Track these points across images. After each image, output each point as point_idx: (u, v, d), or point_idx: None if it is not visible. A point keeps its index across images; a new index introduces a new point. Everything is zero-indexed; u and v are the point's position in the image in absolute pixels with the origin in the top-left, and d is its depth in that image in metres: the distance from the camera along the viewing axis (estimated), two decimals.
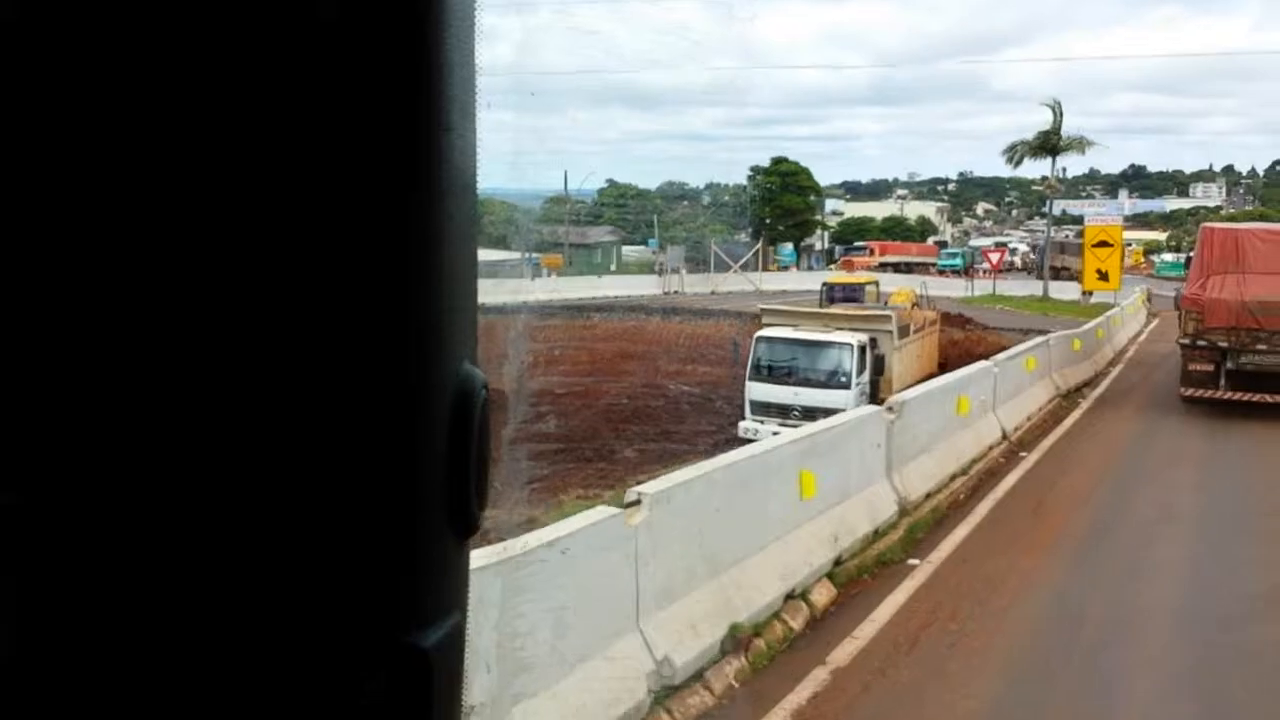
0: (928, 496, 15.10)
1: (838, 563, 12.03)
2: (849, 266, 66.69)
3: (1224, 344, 23.14)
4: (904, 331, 28.56)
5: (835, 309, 31.08)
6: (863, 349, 25.05)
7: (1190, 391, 23.79)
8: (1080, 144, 60.96)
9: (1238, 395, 23.10)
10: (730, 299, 53.31)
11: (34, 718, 0.59)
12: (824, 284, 37.87)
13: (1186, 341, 23.80)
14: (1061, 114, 60.07)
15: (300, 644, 0.62)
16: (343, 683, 0.63)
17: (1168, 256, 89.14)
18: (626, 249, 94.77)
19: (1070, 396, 25.23)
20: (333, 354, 0.62)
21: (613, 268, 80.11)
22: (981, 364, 20.10)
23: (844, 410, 22.11)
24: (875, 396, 24.36)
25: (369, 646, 0.64)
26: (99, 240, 0.58)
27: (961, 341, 36.66)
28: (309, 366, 0.61)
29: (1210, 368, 23.36)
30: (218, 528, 0.59)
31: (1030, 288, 60.39)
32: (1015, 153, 61.78)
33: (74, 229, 0.57)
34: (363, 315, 0.63)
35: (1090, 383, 27.85)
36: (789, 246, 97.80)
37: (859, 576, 12.09)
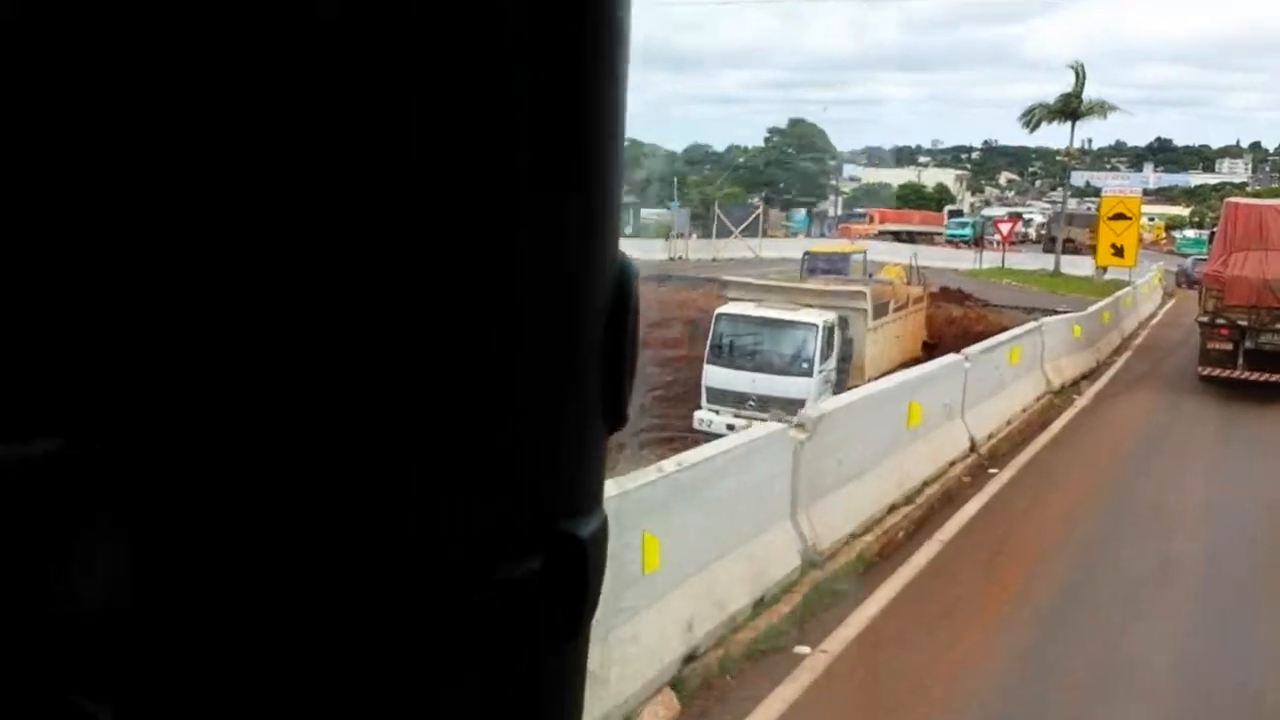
0: (851, 539, 11.40)
1: (691, 659, 8.33)
2: (846, 234, 62.54)
3: (1243, 322, 22.53)
4: (881, 310, 24.96)
5: (808, 283, 27.43)
6: (830, 330, 21.58)
7: (1208, 370, 22.87)
8: (1102, 108, 58.30)
9: (1255, 375, 22.24)
10: (729, 266, 49.67)
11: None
12: (805, 253, 33.93)
13: (1205, 319, 23.16)
14: (1084, 77, 57.19)
15: (459, 526, 0.62)
16: (502, 564, 0.63)
17: (1190, 232, 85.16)
18: (647, 211, 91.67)
19: (1065, 392, 21.36)
20: (500, 238, 0.62)
21: (629, 230, 76.71)
22: (947, 359, 16.32)
23: (804, 401, 18.74)
24: (843, 384, 20.86)
25: (526, 530, 0.64)
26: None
27: (959, 319, 33.15)
28: (476, 251, 0.61)
29: (1229, 346, 22.68)
30: (390, 407, 0.59)
31: (1042, 262, 56.38)
32: (1033, 116, 59.13)
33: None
34: (529, 201, 0.62)
35: (1091, 374, 23.94)
36: (802, 212, 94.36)
37: (720, 676, 8.40)
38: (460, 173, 0.59)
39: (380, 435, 0.59)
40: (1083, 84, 57.58)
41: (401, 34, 0.57)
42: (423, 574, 0.60)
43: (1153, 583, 10.94)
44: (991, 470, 15.30)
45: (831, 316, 21.93)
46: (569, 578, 0.66)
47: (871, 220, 75.59)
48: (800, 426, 10.95)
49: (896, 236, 64.92)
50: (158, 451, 0.56)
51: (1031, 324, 21.74)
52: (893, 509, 12.55)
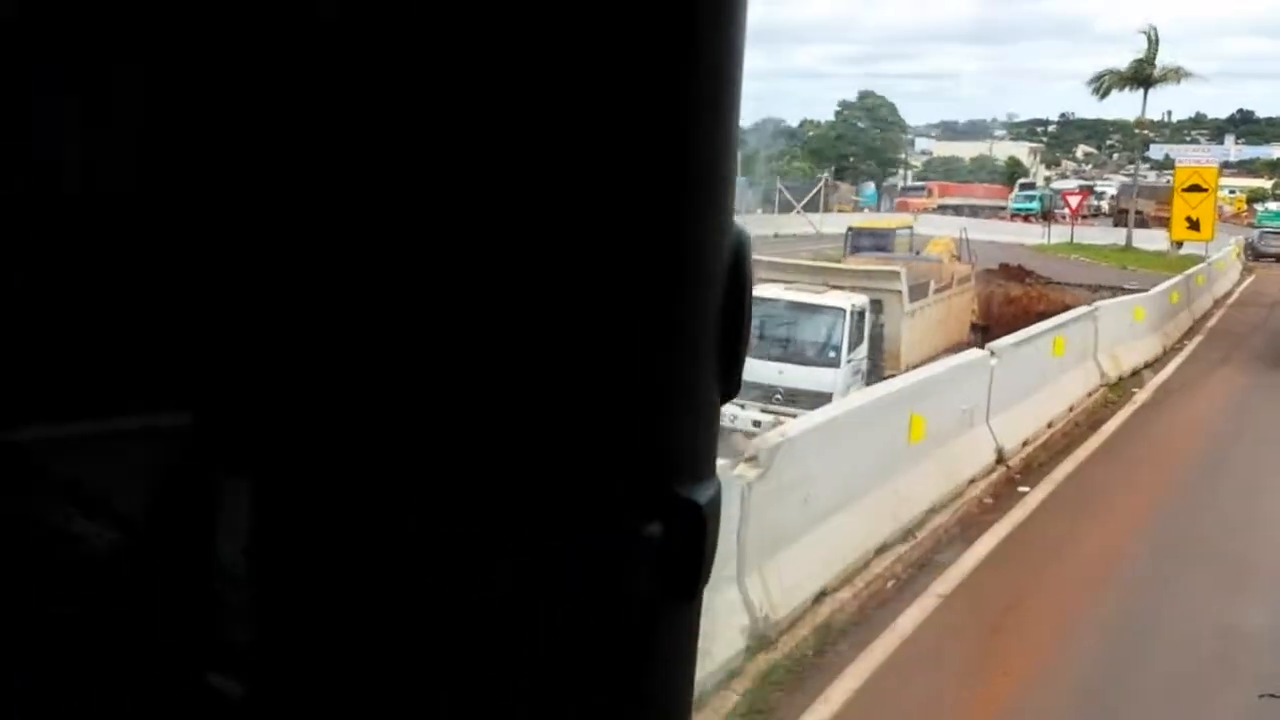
0: (820, 600, 8.65)
1: None
2: (904, 208, 59.15)
3: None
4: (919, 291, 22.01)
5: (849, 262, 24.59)
6: (860, 315, 18.80)
7: None
8: (1176, 74, 54.96)
9: None
10: (788, 242, 46.72)
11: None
12: (849, 228, 30.95)
13: None
14: (1156, 41, 53.67)
15: (589, 489, 0.64)
16: (622, 528, 0.65)
17: (1272, 205, 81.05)
18: None
19: (1122, 385, 18.28)
20: (626, 210, 0.63)
21: None
22: (967, 356, 13.46)
23: (830, 395, 16.09)
24: (879, 374, 18.05)
25: (646, 496, 0.66)
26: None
27: (1019, 299, 29.66)
28: (607, 229, 0.62)
29: None
30: (528, 376, 0.61)
31: (1113, 236, 52.41)
32: (1103, 83, 55.59)
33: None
34: (651, 173, 0.63)
35: (1155, 363, 20.75)
36: (871, 186, 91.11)
37: None
38: (589, 155, 0.61)
39: (516, 403, 0.60)
40: (1155, 49, 54.57)
41: (542, 34, 0.59)
42: (553, 534, 0.62)
43: (1205, 674, 8.02)
44: (1022, 489, 12.43)
45: (861, 300, 19.10)
46: (688, 541, 0.66)
47: (930, 194, 71.98)
48: (751, 460, 8.20)
49: (958, 211, 61.35)
50: (298, 420, 0.58)
51: (1083, 308, 18.63)
52: (882, 550, 9.78)
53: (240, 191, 0.56)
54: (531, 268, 0.59)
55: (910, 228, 31.51)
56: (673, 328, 0.65)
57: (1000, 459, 12.85)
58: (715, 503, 0.68)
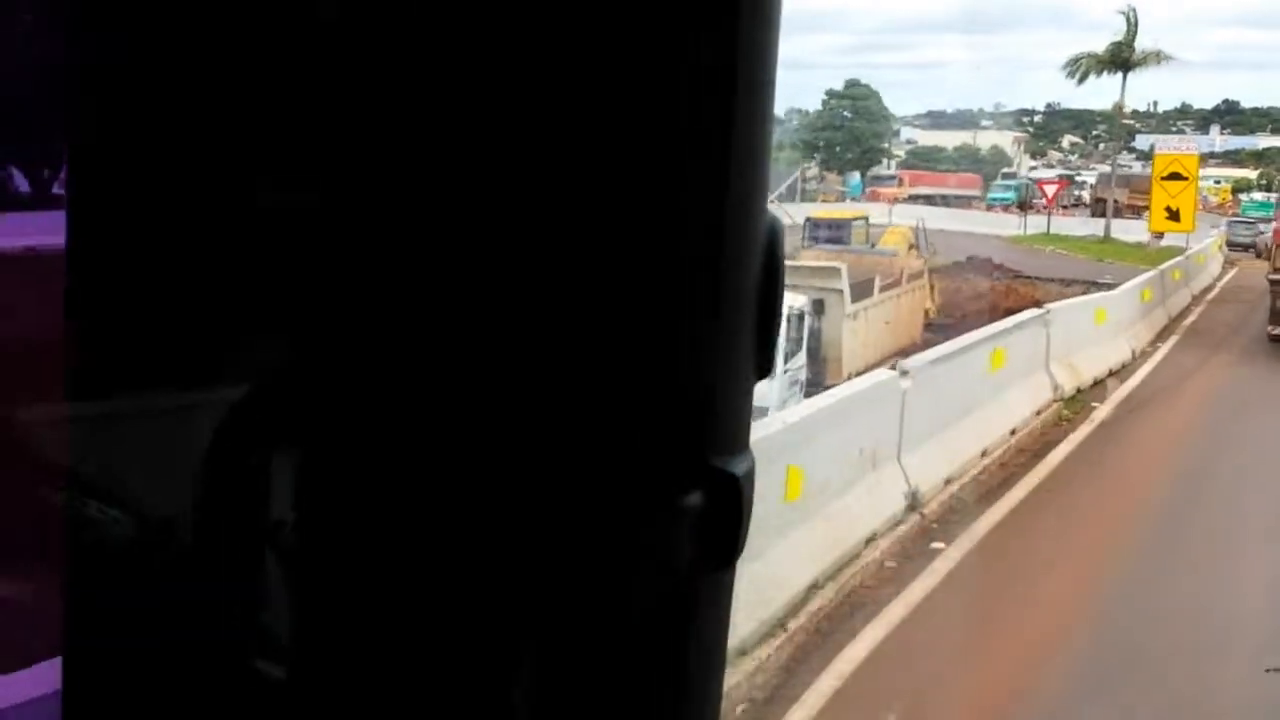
0: None
1: None
2: (875, 198, 56.55)
3: None
4: (863, 290, 19.53)
5: (802, 256, 22.24)
6: (799, 318, 16.40)
7: (1278, 330, 21.34)
8: (1157, 57, 52.40)
9: None
10: None
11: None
12: (806, 219, 28.47)
13: (1277, 277, 22.08)
14: (1136, 23, 50.98)
15: (626, 460, 0.65)
16: (663, 498, 0.66)
17: (1258, 195, 78.80)
18: None
19: (1080, 399, 15.55)
20: (673, 192, 0.65)
21: None
22: (871, 379, 10.75)
23: (765, 410, 13.49)
24: (821, 385, 15.50)
25: (687, 467, 0.67)
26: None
27: (985, 294, 27.55)
28: (650, 205, 0.64)
29: None
30: (563, 349, 0.63)
31: (1092, 227, 49.80)
32: (1080, 65, 52.96)
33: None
34: (696, 155, 0.65)
35: (1121, 371, 17.97)
36: (856, 176, 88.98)
37: None
38: (635, 137, 0.62)
39: (565, 377, 0.62)
40: (1134, 31, 51.99)
41: (596, 18, 0.61)
42: (598, 504, 0.63)
43: None
44: (935, 545, 9.70)
45: (800, 301, 16.53)
46: (726, 511, 0.67)
47: (901, 183, 69.28)
48: None
49: (929, 201, 58.70)
50: (354, 391, 0.60)
51: (1031, 311, 15.87)
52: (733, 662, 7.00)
53: (298, 188, 0.60)
54: (580, 247, 0.61)
55: (866, 218, 29.02)
56: (714, 307, 0.66)
57: (914, 505, 10.13)
58: (750, 475, 0.69)
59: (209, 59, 0.60)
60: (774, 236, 0.70)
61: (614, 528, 0.64)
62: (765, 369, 0.71)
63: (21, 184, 2.13)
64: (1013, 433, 12.99)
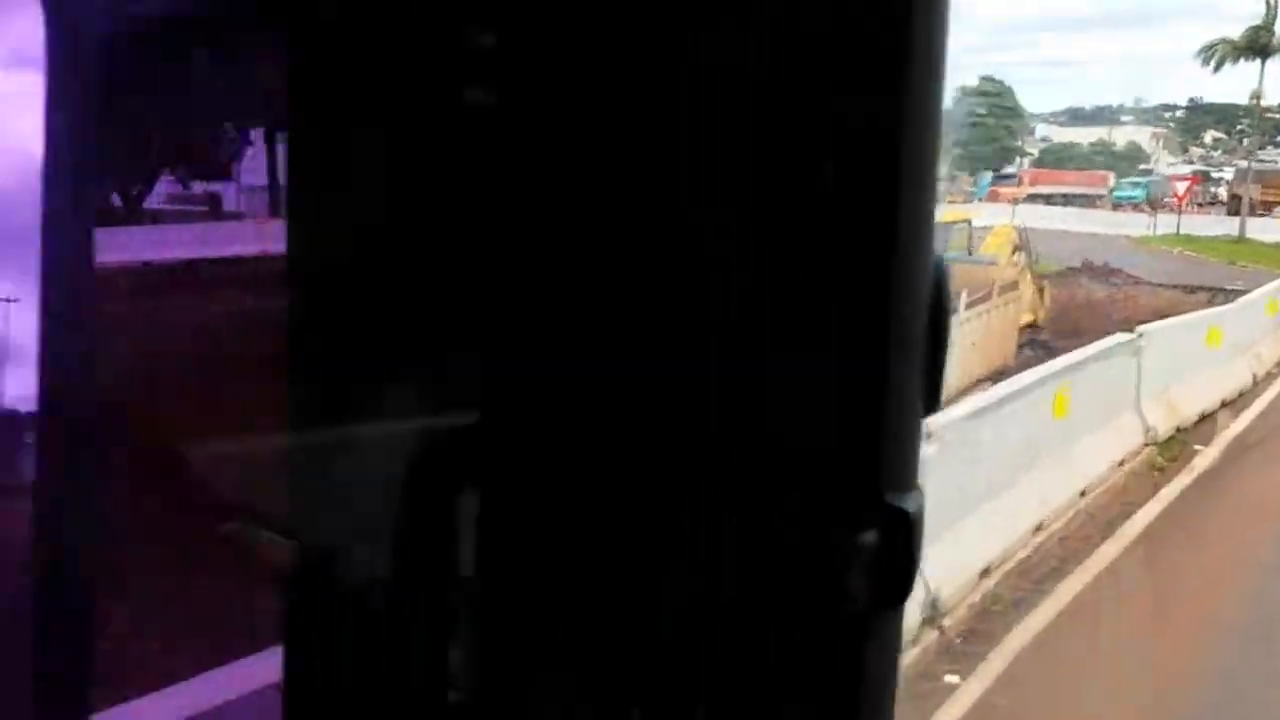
0: None
1: None
2: (994, 198, 53.49)
3: None
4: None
5: None
6: None
7: None
8: None
9: None
10: None
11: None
12: None
13: None
14: (1276, 5, 47.13)
15: (805, 496, 0.66)
16: (842, 533, 0.66)
17: None
18: None
19: (1179, 440, 12.68)
20: (856, 230, 0.66)
21: None
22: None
23: None
24: None
25: (863, 504, 0.67)
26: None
27: (1100, 302, 25.47)
28: (839, 241, 0.65)
29: None
30: (748, 382, 0.64)
31: (1226, 225, 46.63)
32: (1214, 53, 49.01)
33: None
34: (877, 211, 0.66)
35: (1236, 401, 14.97)
36: (988, 176, 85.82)
37: None
38: (825, 164, 0.63)
39: (750, 410, 0.63)
40: (1275, 14, 48.85)
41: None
42: (776, 538, 0.64)
43: None
44: (950, 678, 7.12)
45: None
46: (899, 547, 0.67)
47: (1020, 182, 65.92)
48: None
49: (1049, 200, 55.46)
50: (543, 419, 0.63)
51: (1118, 337, 13.02)
52: None
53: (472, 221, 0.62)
54: (764, 279, 0.62)
55: (969, 221, 26.30)
56: (889, 343, 0.67)
57: (933, 616, 7.57)
58: (921, 512, 0.69)
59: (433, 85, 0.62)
60: (941, 276, 0.69)
61: (793, 564, 0.64)
62: (934, 406, 0.71)
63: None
64: (1082, 494, 10.27)
